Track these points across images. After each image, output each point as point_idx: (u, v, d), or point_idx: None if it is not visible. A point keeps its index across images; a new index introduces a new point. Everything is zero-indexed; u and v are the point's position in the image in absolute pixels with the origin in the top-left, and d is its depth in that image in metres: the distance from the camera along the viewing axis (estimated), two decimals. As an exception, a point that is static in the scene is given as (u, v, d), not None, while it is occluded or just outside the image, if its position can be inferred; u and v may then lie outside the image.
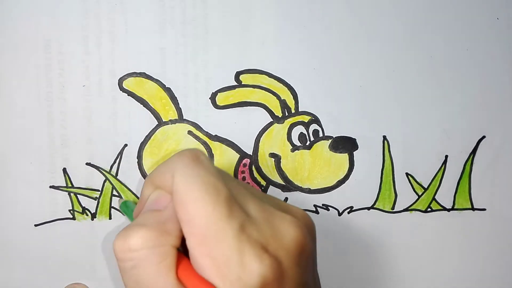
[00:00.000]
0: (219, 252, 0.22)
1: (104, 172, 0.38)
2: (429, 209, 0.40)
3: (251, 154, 0.39)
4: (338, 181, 0.39)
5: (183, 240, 0.24)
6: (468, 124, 0.39)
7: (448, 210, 0.40)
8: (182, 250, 0.24)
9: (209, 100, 0.38)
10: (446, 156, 0.39)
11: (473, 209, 0.40)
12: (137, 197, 0.38)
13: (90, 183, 0.38)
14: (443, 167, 0.39)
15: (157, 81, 0.38)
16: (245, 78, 0.38)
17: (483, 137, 0.39)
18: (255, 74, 0.38)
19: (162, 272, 0.23)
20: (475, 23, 0.39)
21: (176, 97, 0.38)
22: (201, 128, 0.38)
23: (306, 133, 0.39)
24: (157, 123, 0.38)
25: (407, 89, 0.39)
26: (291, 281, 0.24)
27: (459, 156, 0.39)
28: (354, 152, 0.39)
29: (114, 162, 0.38)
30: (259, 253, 0.23)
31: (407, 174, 0.39)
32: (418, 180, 0.39)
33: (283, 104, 0.38)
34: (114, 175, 0.38)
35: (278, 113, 0.39)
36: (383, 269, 0.40)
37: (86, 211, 0.38)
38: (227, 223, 0.23)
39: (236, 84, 0.38)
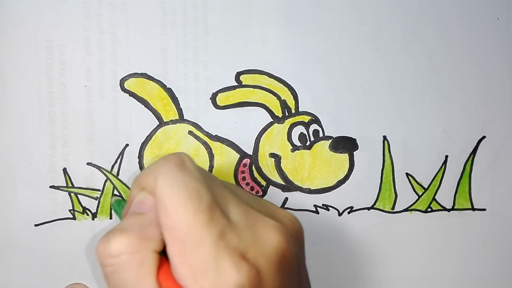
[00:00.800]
0: (196, 260, 0.22)
1: (105, 172, 0.38)
2: (429, 209, 0.39)
3: (251, 154, 0.39)
4: (338, 181, 0.39)
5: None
6: (468, 124, 0.39)
7: (448, 210, 0.40)
8: (165, 254, 0.24)
9: (210, 100, 0.38)
10: (446, 156, 0.39)
11: (473, 209, 0.40)
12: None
13: (91, 183, 0.38)
14: (443, 167, 0.39)
15: (158, 81, 0.38)
16: (245, 79, 0.38)
17: (483, 137, 0.39)
18: (255, 74, 0.38)
19: (142, 277, 0.23)
20: (475, 23, 0.39)
21: (177, 98, 0.38)
22: (202, 128, 0.38)
23: (306, 133, 0.39)
24: (158, 123, 0.38)
25: (407, 89, 0.39)
26: (272, 281, 0.23)
27: (459, 156, 0.39)
28: (354, 152, 0.39)
29: (115, 162, 0.38)
30: (236, 261, 0.22)
31: (407, 174, 0.39)
32: (418, 180, 0.39)
33: (283, 104, 0.39)
34: (115, 175, 0.38)
35: (278, 113, 0.39)
36: (383, 269, 0.39)
37: (87, 211, 0.38)
38: (206, 230, 0.22)
39: (237, 84, 0.38)
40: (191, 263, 0.22)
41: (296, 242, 0.26)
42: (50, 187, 0.38)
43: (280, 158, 0.39)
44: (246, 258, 0.23)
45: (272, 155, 0.39)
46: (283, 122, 0.39)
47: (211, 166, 0.38)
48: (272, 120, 0.39)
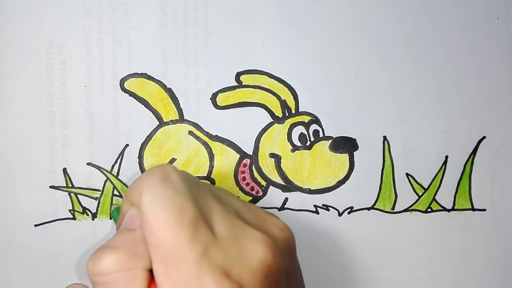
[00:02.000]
0: (179, 279, 0.22)
1: (105, 172, 0.38)
2: (429, 210, 0.39)
3: (252, 154, 0.39)
4: (338, 181, 0.39)
5: None
6: (468, 124, 0.39)
7: (448, 210, 0.40)
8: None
9: (210, 100, 0.38)
10: (446, 157, 0.39)
11: (473, 209, 0.40)
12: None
13: (91, 183, 0.38)
14: (443, 168, 0.39)
15: (158, 81, 0.38)
16: (245, 79, 0.38)
17: (483, 137, 0.39)
18: (256, 74, 0.38)
19: None
20: (475, 23, 0.39)
21: (177, 98, 0.38)
22: (202, 128, 0.38)
23: (306, 133, 0.39)
24: (158, 123, 0.38)
25: (407, 89, 0.39)
26: None
27: (459, 157, 0.39)
28: (354, 153, 0.39)
29: (116, 162, 0.38)
30: (219, 279, 0.22)
31: (407, 174, 0.39)
32: (418, 181, 0.39)
33: (284, 105, 0.39)
34: (115, 175, 0.38)
35: (279, 113, 0.39)
36: (383, 269, 0.39)
37: (87, 211, 0.38)
38: (189, 247, 0.22)
39: (237, 84, 0.38)
40: (174, 282, 0.22)
41: (286, 253, 0.26)
42: (50, 187, 0.38)
43: (280, 158, 0.39)
44: (230, 275, 0.22)
45: (272, 155, 0.39)
46: (283, 122, 0.39)
47: (211, 166, 0.38)
48: (272, 120, 0.39)
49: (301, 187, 0.39)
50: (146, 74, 0.38)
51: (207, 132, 0.38)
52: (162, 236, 0.22)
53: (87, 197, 0.38)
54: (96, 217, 0.38)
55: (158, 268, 0.22)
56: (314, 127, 0.39)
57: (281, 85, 0.38)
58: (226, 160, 0.38)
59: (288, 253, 0.26)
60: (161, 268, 0.22)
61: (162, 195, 0.23)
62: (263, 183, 0.39)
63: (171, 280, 0.22)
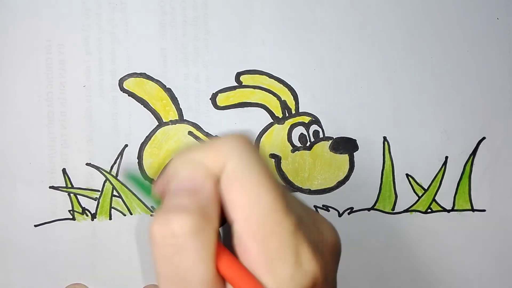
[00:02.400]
0: (274, 247, 0.21)
1: (104, 172, 0.38)
2: (429, 210, 0.40)
3: (252, 154, 0.39)
4: (339, 182, 0.39)
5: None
6: (468, 125, 0.39)
7: (448, 211, 0.40)
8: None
9: (210, 100, 0.38)
10: (446, 157, 0.39)
11: (473, 210, 0.40)
12: (138, 199, 0.38)
13: (90, 183, 0.38)
14: (443, 168, 0.39)
15: (157, 81, 0.38)
16: (245, 79, 0.38)
17: (483, 138, 0.39)
18: (256, 74, 0.38)
19: (204, 260, 0.21)
20: (475, 23, 0.39)
21: (176, 98, 0.38)
22: (202, 128, 0.38)
23: (306, 133, 0.39)
24: (157, 123, 0.38)
25: (407, 90, 0.39)
26: (330, 283, 0.23)
27: (459, 157, 0.39)
28: (354, 153, 0.39)
29: (115, 162, 0.38)
30: (314, 253, 0.22)
31: (407, 175, 0.39)
32: (418, 181, 0.39)
33: (284, 105, 0.39)
34: (115, 175, 0.38)
35: (279, 113, 0.39)
36: (383, 269, 0.40)
37: (86, 211, 0.38)
38: (286, 217, 0.21)
39: (237, 84, 0.38)
40: (268, 249, 0.21)
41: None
42: (50, 187, 0.38)
43: (280, 159, 0.39)
44: (318, 251, 0.22)
45: (272, 155, 0.39)
46: (283, 123, 0.39)
47: (211, 167, 0.38)
48: (272, 120, 0.39)
49: (301, 187, 0.39)
50: (145, 74, 0.38)
51: (207, 132, 0.38)
52: (260, 198, 0.21)
53: (86, 198, 0.38)
54: (95, 217, 0.38)
55: (247, 230, 0.21)
56: (314, 127, 0.39)
57: (281, 85, 0.38)
58: (226, 160, 0.38)
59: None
60: (250, 231, 0.21)
61: (258, 160, 0.22)
62: (263, 183, 0.39)
63: (263, 246, 0.21)
